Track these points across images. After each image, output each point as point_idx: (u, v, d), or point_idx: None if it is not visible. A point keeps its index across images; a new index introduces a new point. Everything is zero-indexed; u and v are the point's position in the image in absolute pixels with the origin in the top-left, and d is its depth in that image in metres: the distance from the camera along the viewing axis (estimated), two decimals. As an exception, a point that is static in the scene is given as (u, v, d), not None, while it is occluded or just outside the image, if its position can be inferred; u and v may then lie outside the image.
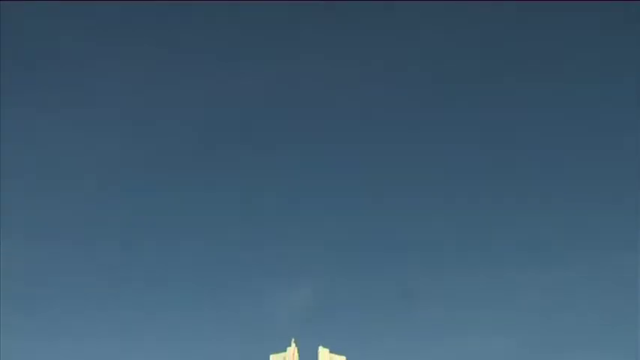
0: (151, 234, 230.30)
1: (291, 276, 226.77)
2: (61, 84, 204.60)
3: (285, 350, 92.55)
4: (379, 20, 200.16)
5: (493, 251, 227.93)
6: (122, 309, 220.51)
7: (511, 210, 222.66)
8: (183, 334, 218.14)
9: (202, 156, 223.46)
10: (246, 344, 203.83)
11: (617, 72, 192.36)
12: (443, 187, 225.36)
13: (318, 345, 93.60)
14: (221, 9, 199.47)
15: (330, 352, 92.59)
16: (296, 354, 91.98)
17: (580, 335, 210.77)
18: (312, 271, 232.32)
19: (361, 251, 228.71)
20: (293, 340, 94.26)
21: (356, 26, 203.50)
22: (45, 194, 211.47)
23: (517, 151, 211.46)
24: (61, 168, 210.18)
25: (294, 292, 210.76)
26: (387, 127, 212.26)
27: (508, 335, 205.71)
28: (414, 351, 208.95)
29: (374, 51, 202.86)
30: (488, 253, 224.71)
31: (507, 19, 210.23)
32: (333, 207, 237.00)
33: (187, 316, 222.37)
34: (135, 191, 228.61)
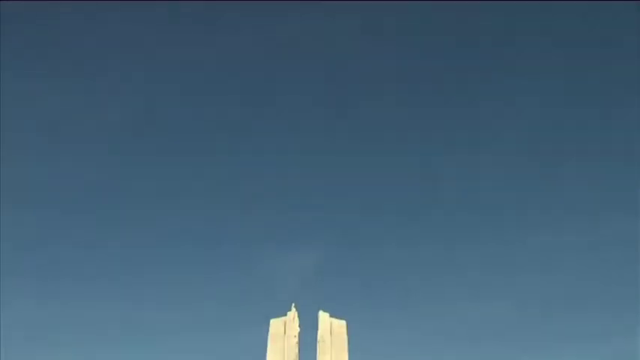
0: (148, 197, 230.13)
1: (292, 240, 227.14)
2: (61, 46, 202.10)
3: (285, 315, 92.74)
4: None
5: (492, 215, 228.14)
6: (120, 273, 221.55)
7: (511, 172, 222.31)
8: (182, 299, 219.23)
9: (199, 116, 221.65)
10: (245, 309, 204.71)
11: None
12: (444, 153, 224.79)
13: (319, 309, 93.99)
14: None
15: (331, 316, 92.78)
16: (296, 318, 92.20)
17: (579, 298, 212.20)
18: (312, 235, 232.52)
19: (363, 215, 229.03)
20: (293, 304, 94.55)
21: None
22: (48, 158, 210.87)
23: (517, 108, 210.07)
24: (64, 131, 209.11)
25: (294, 257, 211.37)
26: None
27: (508, 299, 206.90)
28: (414, 316, 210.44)
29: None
30: (488, 217, 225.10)
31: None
32: (335, 169, 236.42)
33: (186, 280, 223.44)
34: (132, 155, 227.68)
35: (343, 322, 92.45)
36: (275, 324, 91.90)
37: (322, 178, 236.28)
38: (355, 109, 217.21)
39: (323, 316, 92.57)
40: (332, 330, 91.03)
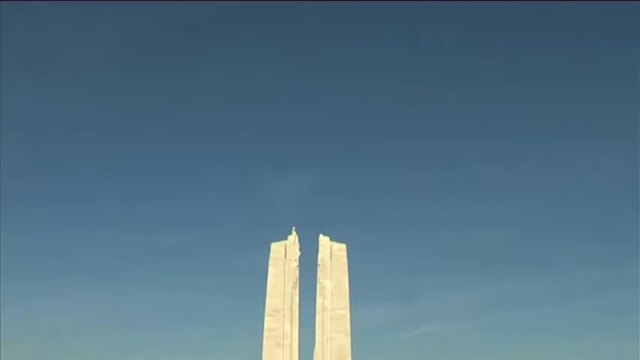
0: (153, 124, 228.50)
1: (292, 164, 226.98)
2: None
3: (286, 239, 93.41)
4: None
5: (494, 142, 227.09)
6: (123, 201, 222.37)
7: (514, 101, 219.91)
8: (185, 223, 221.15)
9: (199, 40, 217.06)
10: (247, 233, 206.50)
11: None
12: (445, 82, 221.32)
13: (319, 233, 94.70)
14: None
15: (331, 240, 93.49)
16: (297, 242, 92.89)
17: (579, 225, 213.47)
18: (312, 160, 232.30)
19: (362, 138, 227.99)
20: (294, 228, 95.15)
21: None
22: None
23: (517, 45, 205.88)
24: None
25: (294, 181, 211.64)
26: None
27: (508, 223, 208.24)
28: (413, 239, 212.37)
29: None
30: (489, 143, 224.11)
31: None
32: (333, 94, 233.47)
33: (189, 205, 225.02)
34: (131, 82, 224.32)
35: (343, 246, 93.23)
36: (276, 248, 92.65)
37: (321, 100, 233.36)
38: (354, 41, 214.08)
39: (323, 240, 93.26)
40: (332, 253, 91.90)
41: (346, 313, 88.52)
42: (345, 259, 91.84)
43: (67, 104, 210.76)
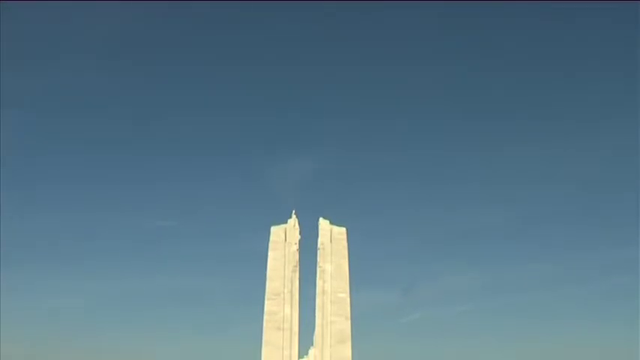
0: (151, 109, 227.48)
1: (292, 149, 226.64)
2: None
3: (286, 222, 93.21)
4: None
5: (492, 126, 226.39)
6: (126, 181, 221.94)
7: (511, 85, 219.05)
8: (185, 207, 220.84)
9: (200, 21, 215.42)
10: (246, 216, 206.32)
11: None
12: (445, 57, 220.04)
13: (319, 217, 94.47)
14: None
15: (331, 223, 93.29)
16: (297, 226, 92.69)
17: (576, 208, 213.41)
18: (313, 144, 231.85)
19: (362, 122, 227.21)
20: (294, 211, 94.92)
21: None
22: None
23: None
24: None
25: (294, 165, 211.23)
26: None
27: (507, 207, 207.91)
28: (412, 223, 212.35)
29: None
30: (486, 127, 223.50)
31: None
32: (333, 79, 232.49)
33: (189, 187, 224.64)
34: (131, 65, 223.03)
35: (343, 229, 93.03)
36: (276, 231, 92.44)
37: (320, 84, 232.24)
38: (353, 24, 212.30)
39: (323, 223, 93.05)
40: (332, 237, 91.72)
41: (346, 296, 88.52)
42: (345, 243, 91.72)
43: (64, 86, 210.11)
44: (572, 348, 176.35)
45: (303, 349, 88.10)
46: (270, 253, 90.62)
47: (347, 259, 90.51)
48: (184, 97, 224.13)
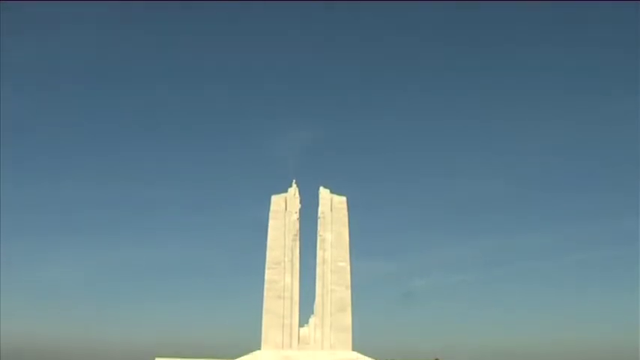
0: (152, 74, 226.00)
1: (293, 117, 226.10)
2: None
3: (286, 191, 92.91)
4: None
5: (491, 96, 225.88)
6: (127, 151, 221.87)
7: (512, 55, 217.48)
8: (185, 176, 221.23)
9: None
10: (247, 185, 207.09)
11: None
12: (443, 36, 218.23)
13: (319, 186, 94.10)
14: None
15: (331, 192, 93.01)
16: (297, 194, 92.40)
17: (577, 178, 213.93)
18: (313, 112, 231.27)
19: (363, 91, 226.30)
20: (294, 180, 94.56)
21: None
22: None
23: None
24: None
25: (295, 133, 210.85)
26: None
27: (506, 176, 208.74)
28: (414, 192, 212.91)
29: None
30: (487, 97, 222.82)
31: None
32: (334, 47, 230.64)
33: (189, 158, 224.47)
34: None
35: (343, 198, 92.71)
36: (276, 200, 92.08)
37: (321, 53, 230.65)
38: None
39: (324, 193, 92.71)
40: (332, 206, 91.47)
41: (346, 265, 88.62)
42: (345, 212, 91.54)
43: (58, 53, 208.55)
44: (573, 317, 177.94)
45: (304, 318, 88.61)
46: (270, 222, 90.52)
47: (347, 228, 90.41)
48: (183, 65, 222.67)
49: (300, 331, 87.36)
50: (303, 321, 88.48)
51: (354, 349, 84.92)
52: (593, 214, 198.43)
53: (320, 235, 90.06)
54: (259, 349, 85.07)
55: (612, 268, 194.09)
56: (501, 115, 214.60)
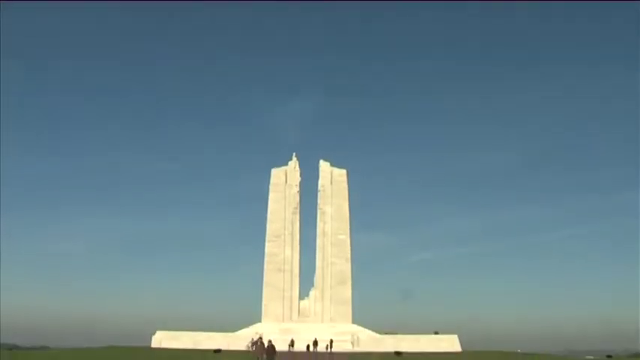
0: (155, 52, 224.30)
1: (293, 91, 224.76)
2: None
3: (286, 164, 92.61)
4: None
5: (493, 70, 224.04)
6: (129, 124, 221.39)
7: (512, 29, 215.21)
8: (185, 149, 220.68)
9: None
10: (247, 158, 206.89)
11: None
12: (447, 9, 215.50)
13: (320, 159, 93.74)
14: None
15: (331, 165, 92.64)
16: (297, 168, 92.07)
17: (581, 153, 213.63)
18: (313, 86, 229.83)
19: (363, 65, 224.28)
20: (294, 154, 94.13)
21: None
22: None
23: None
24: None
25: (295, 107, 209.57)
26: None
27: (509, 151, 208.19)
28: (413, 166, 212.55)
29: None
30: (489, 72, 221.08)
31: None
32: (335, 21, 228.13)
33: (189, 130, 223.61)
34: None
35: (343, 171, 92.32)
36: (276, 173, 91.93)
37: (322, 27, 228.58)
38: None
39: (324, 166, 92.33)
40: (332, 179, 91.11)
41: (346, 238, 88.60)
42: (345, 185, 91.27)
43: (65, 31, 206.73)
44: (572, 289, 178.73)
45: (304, 290, 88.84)
46: (270, 195, 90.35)
47: (347, 201, 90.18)
48: (184, 41, 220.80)
49: (301, 304, 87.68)
50: (304, 294, 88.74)
51: (353, 322, 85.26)
52: (595, 187, 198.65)
53: (320, 208, 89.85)
54: (260, 321, 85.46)
55: (611, 240, 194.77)
56: (504, 89, 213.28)
